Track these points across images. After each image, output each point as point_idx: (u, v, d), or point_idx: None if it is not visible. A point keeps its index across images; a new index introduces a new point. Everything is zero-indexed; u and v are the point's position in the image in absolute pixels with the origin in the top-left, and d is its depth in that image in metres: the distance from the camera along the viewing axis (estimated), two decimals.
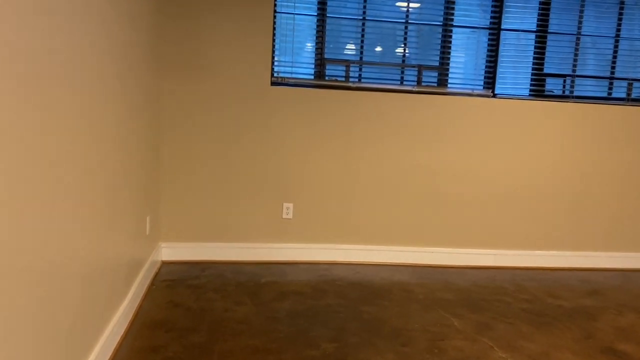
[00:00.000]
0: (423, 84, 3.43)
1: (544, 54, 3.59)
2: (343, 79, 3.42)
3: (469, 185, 3.51)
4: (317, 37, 3.38)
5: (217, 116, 3.31)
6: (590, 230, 3.66)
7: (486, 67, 3.51)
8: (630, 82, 3.66)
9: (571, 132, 3.57)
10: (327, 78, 3.41)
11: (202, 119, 3.30)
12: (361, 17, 3.38)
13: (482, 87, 3.48)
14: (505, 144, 3.51)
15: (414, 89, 3.39)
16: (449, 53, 3.46)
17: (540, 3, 3.52)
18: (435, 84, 3.46)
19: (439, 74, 3.46)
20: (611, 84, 3.67)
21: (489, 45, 3.52)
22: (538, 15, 3.55)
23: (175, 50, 3.23)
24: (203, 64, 3.26)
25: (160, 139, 3.27)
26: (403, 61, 3.46)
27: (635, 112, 3.63)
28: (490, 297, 2.95)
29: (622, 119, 3.61)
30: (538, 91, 3.59)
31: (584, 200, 3.64)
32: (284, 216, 3.46)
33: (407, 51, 3.44)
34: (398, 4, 3.39)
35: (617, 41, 3.61)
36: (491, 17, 3.50)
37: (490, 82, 3.51)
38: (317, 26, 3.37)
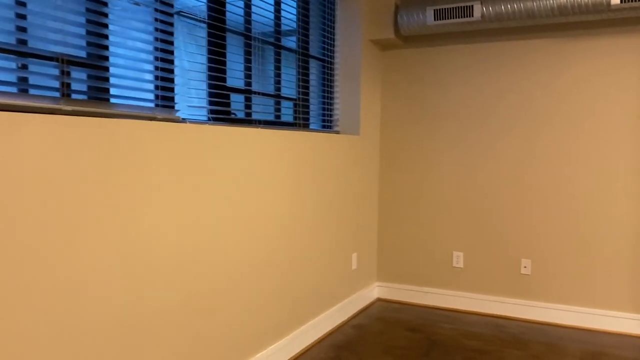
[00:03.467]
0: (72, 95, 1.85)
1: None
2: None
3: None
4: None
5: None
6: None
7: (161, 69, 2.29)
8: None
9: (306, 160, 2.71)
10: None
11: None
12: None
13: (153, 103, 2.21)
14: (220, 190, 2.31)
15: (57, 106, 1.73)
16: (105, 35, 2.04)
17: None
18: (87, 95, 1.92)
19: (93, 75, 1.98)
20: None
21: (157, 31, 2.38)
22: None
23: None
24: None
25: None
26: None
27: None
28: None
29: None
30: (221, 112, 2.61)
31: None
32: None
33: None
34: None
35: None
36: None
37: (167, 96, 2.29)
38: None
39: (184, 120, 2.31)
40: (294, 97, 3.36)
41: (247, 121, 2.86)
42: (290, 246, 2.96)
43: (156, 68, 2.21)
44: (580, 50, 3.61)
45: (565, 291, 3.72)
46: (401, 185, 4.21)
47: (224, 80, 2.69)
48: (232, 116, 2.75)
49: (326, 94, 3.76)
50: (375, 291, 4.29)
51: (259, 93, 2.96)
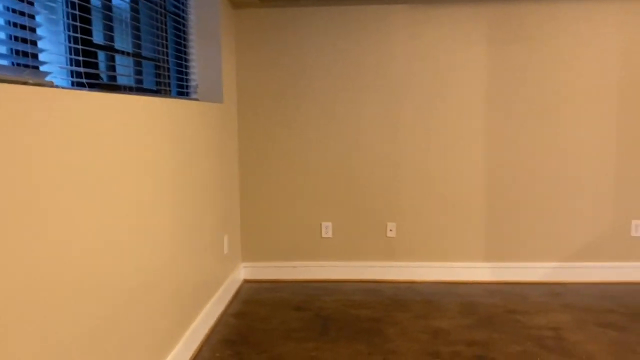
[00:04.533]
0: None
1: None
2: None
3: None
4: None
5: None
6: None
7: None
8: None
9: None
10: None
11: None
12: None
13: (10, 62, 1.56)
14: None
15: None
16: None
17: None
18: None
19: None
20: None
21: None
22: None
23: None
24: None
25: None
26: None
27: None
28: None
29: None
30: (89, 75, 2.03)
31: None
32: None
33: None
34: None
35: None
36: None
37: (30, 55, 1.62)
38: None
39: (55, 86, 1.69)
40: (156, 58, 2.81)
41: (113, 87, 2.27)
42: (159, 241, 2.50)
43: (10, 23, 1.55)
44: (435, 16, 3.73)
45: (428, 249, 3.92)
46: (262, 157, 3.93)
47: (90, 36, 2.07)
48: (100, 80, 2.14)
49: (183, 56, 3.25)
50: (241, 273, 3.99)
51: (127, 53, 2.37)
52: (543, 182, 3.80)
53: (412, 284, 3.87)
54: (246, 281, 3.99)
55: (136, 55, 2.58)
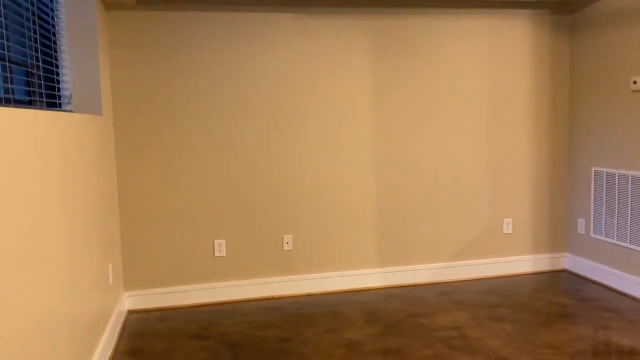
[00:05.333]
0: None
1: None
2: None
3: None
4: None
5: None
6: None
7: None
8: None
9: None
10: None
11: None
12: None
13: None
14: None
15: None
16: None
17: None
18: None
19: None
20: None
21: None
22: None
23: None
24: None
25: None
26: None
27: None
28: None
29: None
30: None
31: None
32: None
33: None
34: None
35: None
36: None
37: None
38: None
39: None
40: (26, 63, 2.38)
41: None
42: (45, 276, 2.13)
43: None
44: (321, 26, 3.72)
45: (325, 259, 3.88)
46: (143, 174, 3.58)
47: None
48: None
49: (54, 62, 2.82)
50: (125, 303, 3.58)
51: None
52: (426, 188, 3.99)
53: (311, 296, 3.80)
54: (131, 312, 3.59)
55: (2, 59, 2.16)
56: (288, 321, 3.33)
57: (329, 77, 3.77)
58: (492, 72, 4.02)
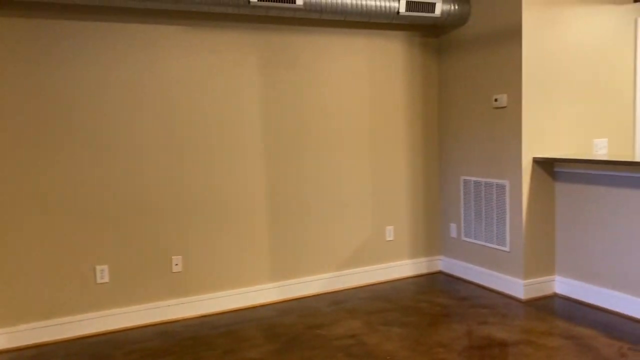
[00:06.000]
0: None
1: None
2: None
3: None
4: None
5: None
6: None
7: None
8: None
9: None
10: None
11: None
12: None
13: None
14: None
15: None
16: None
17: None
18: None
19: None
20: None
21: None
22: None
23: None
24: None
25: None
26: None
27: None
28: None
29: None
30: None
31: None
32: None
33: None
34: None
35: None
36: None
37: None
38: None
39: None
40: None
41: None
42: None
43: None
44: (210, 39, 3.66)
45: (217, 278, 3.80)
46: (9, 197, 3.22)
47: None
48: None
49: None
50: None
51: None
52: (314, 200, 4.10)
53: (205, 317, 3.69)
54: (2, 352, 3.19)
55: None
56: (184, 346, 3.20)
57: (217, 90, 3.71)
58: (371, 87, 4.25)
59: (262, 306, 3.89)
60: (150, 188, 3.56)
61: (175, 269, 3.66)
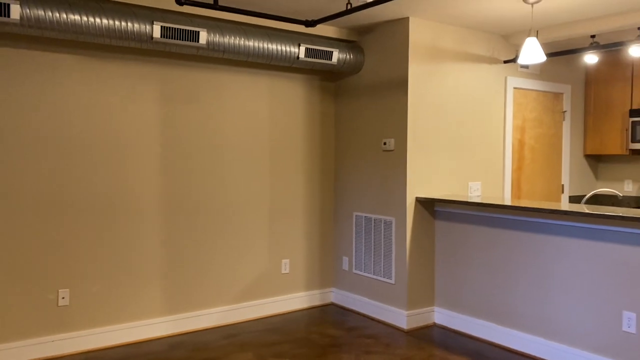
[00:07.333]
0: None
1: None
2: None
3: None
4: None
5: None
6: None
7: None
8: None
9: None
10: None
11: None
12: None
13: None
14: None
15: None
16: None
17: None
18: None
19: None
20: None
21: None
22: None
23: None
24: None
25: None
26: None
27: None
28: None
29: None
30: None
31: None
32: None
33: None
34: None
35: None
36: None
37: None
38: None
39: None
40: None
41: None
42: None
43: None
44: (109, 69, 3.66)
45: (107, 312, 3.71)
46: None
47: None
48: None
49: None
50: None
51: None
52: (211, 232, 4.15)
53: (90, 353, 3.58)
54: None
55: None
56: None
57: (115, 120, 3.70)
58: (271, 125, 4.43)
59: (153, 340, 3.84)
60: (35, 222, 3.44)
61: (61, 302, 3.53)
